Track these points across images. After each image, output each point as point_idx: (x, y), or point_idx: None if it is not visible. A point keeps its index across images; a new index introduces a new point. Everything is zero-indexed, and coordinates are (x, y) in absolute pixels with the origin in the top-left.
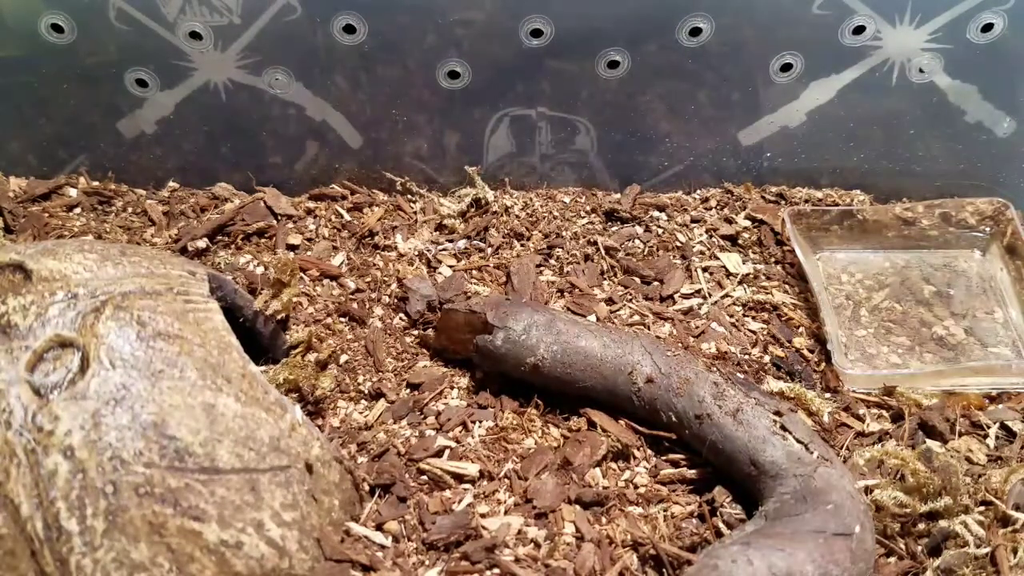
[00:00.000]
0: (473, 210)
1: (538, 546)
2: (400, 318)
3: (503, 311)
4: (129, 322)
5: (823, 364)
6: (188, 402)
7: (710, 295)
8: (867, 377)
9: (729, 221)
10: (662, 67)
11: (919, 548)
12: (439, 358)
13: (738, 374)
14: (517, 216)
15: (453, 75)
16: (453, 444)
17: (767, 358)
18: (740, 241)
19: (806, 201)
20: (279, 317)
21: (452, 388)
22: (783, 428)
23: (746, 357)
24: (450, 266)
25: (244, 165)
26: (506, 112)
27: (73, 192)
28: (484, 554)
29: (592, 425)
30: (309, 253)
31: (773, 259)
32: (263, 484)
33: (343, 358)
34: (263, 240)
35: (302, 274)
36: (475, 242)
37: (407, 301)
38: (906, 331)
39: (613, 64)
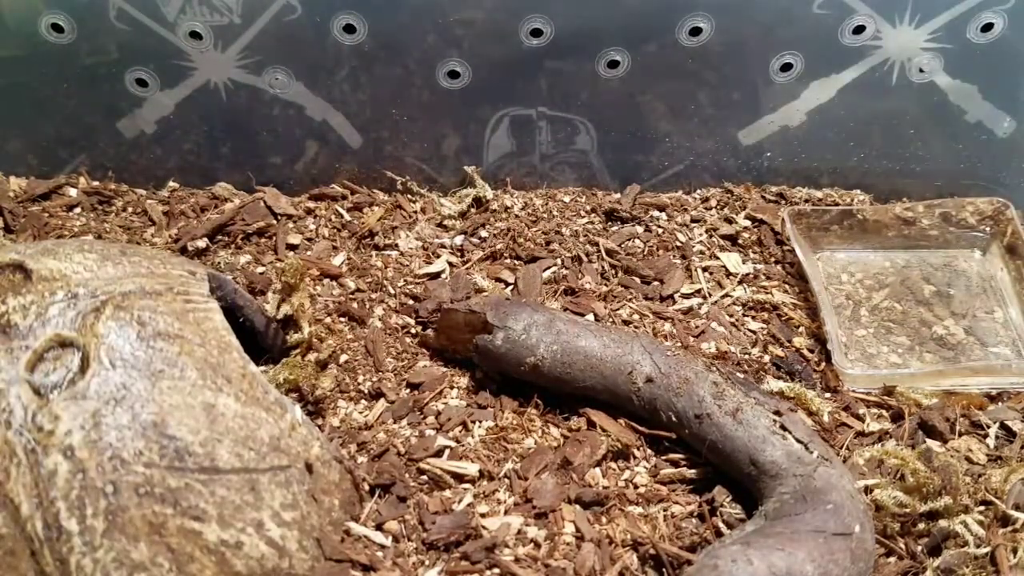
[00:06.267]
0: (474, 210)
1: (538, 546)
2: (400, 318)
3: (503, 311)
4: (129, 322)
5: (823, 364)
6: (188, 402)
7: (710, 295)
8: (867, 377)
9: (729, 221)
10: (662, 67)
11: (919, 548)
12: (439, 358)
13: (738, 374)
14: (517, 216)
15: (453, 75)
16: (453, 444)
17: (767, 358)
18: (740, 241)
19: (806, 201)
20: (282, 318)
21: (452, 388)
22: (783, 428)
23: (746, 357)
24: (450, 264)
25: (244, 165)
26: (506, 112)
27: (73, 192)
28: (484, 554)
29: (592, 425)
30: (309, 253)
31: (773, 259)
32: (263, 484)
33: (343, 358)
34: (263, 240)
35: None
36: (472, 239)
37: (417, 301)
38: (906, 331)
39: (613, 64)
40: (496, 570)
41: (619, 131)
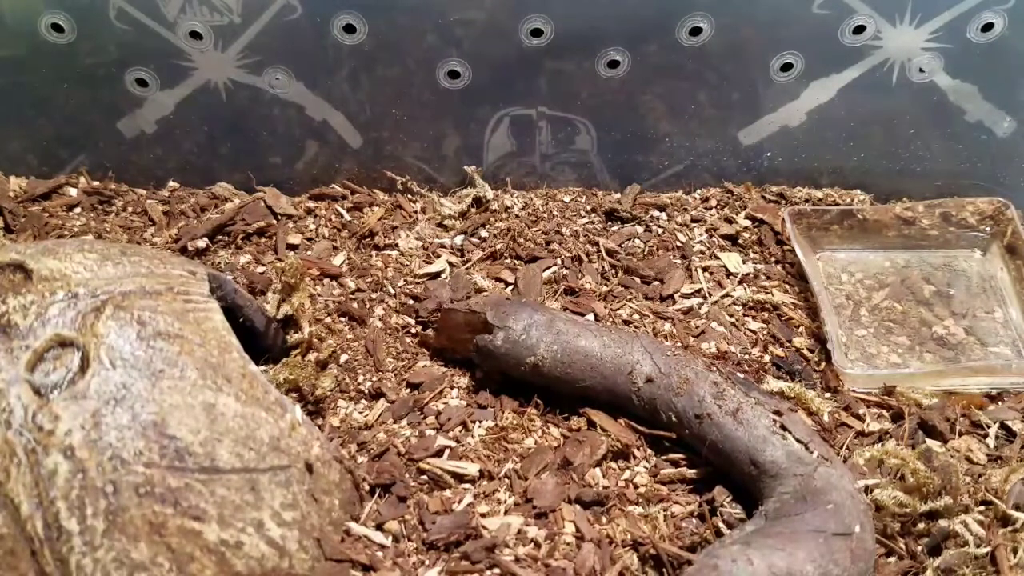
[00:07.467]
0: (474, 210)
1: (538, 546)
2: (400, 318)
3: (503, 311)
4: (129, 322)
5: (823, 364)
6: (188, 402)
7: (710, 295)
8: (867, 377)
9: (729, 221)
10: (662, 67)
11: (919, 548)
12: (439, 358)
13: (738, 374)
14: (517, 216)
15: (453, 75)
16: (453, 444)
17: (767, 358)
18: (740, 241)
19: (806, 201)
20: (282, 318)
21: (452, 388)
22: (783, 428)
23: (746, 357)
24: (450, 264)
25: (244, 165)
26: (506, 112)
27: (73, 192)
28: (484, 554)
29: (592, 425)
30: (309, 253)
31: (773, 259)
32: (263, 484)
33: (343, 358)
34: (263, 240)
35: None
36: (472, 240)
37: (417, 301)
38: (906, 331)
39: (613, 64)
40: (496, 570)
41: (619, 131)
